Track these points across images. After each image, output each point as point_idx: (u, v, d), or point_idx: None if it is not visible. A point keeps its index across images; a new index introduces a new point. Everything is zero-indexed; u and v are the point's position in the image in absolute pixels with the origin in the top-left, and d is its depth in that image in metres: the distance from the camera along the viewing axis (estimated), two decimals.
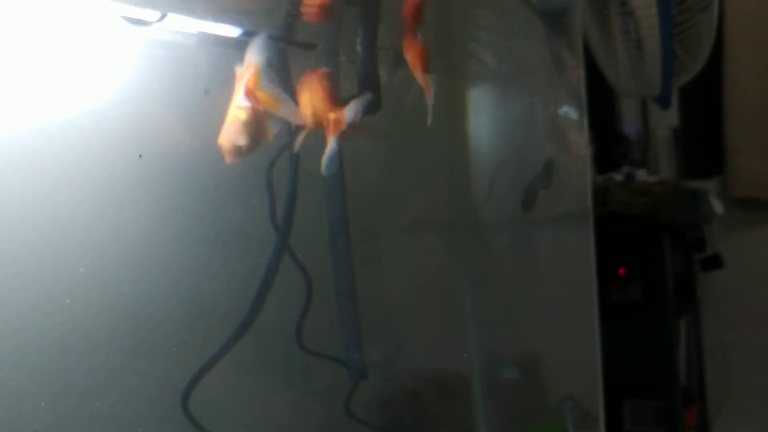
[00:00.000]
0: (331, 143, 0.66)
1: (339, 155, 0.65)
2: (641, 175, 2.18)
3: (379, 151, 1.06)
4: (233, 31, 0.77)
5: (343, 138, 0.65)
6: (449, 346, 1.23)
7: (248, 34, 0.75)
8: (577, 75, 1.48)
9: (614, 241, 1.87)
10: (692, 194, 2.20)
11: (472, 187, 1.31)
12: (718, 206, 2.34)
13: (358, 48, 0.79)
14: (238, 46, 0.74)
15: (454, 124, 1.27)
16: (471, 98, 1.29)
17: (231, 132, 0.63)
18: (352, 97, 0.81)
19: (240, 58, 0.66)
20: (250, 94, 0.63)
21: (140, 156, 0.63)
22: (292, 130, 0.79)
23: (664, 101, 1.81)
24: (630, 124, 2.54)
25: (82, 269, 0.63)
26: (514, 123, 1.40)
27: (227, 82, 0.67)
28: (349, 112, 0.65)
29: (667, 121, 2.63)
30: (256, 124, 0.63)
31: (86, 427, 0.67)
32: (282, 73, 0.68)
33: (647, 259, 2.01)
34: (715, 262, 2.38)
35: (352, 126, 0.65)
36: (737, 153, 2.58)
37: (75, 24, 0.65)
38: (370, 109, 0.77)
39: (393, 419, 1.07)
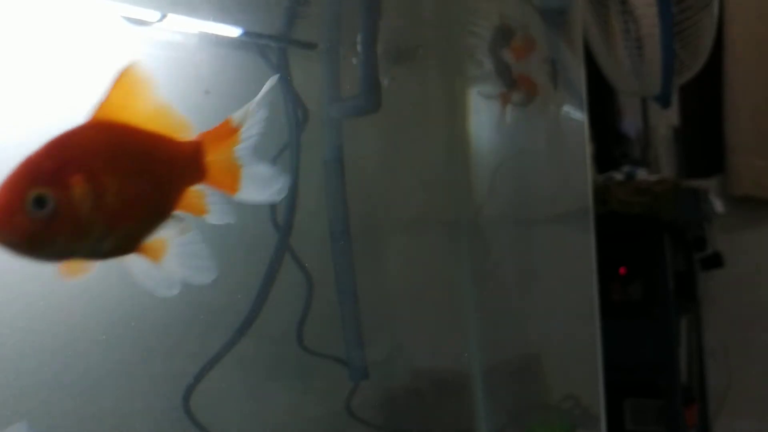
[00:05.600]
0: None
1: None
2: (641, 174, 2.18)
3: (379, 151, 1.06)
4: (234, 31, 0.77)
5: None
6: (450, 345, 1.23)
7: (248, 35, 0.75)
8: (577, 75, 1.48)
9: (614, 240, 1.87)
10: (692, 193, 2.20)
11: (472, 187, 1.31)
12: (718, 205, 2.34)
13: (359, 48, 0.79)
14: (239, 47, 0.74)
15: (454, 124, 1.27)
16: (471, 98, 1.29)
17: None
18: (352, 97, 0.81)
19: (241, 59, 0.66)
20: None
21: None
22: (293, 128, 0.79)
23: (664, 100, 1.81)
24: (630, 123, 2.54)
25: None
26: (515, 123, 1.40)
27: (228, 83, 0.67)
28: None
29: (667, 120, 2.62)
30: None
31: (89, 427, 0.67)
32: None
33: (648, 259, 2.01)
34: (715, 261, 2.37)
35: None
36: (737, 152, 2.58)
37: (75, 24, 0.65)
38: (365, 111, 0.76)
39: (394, 418, 1.07)
